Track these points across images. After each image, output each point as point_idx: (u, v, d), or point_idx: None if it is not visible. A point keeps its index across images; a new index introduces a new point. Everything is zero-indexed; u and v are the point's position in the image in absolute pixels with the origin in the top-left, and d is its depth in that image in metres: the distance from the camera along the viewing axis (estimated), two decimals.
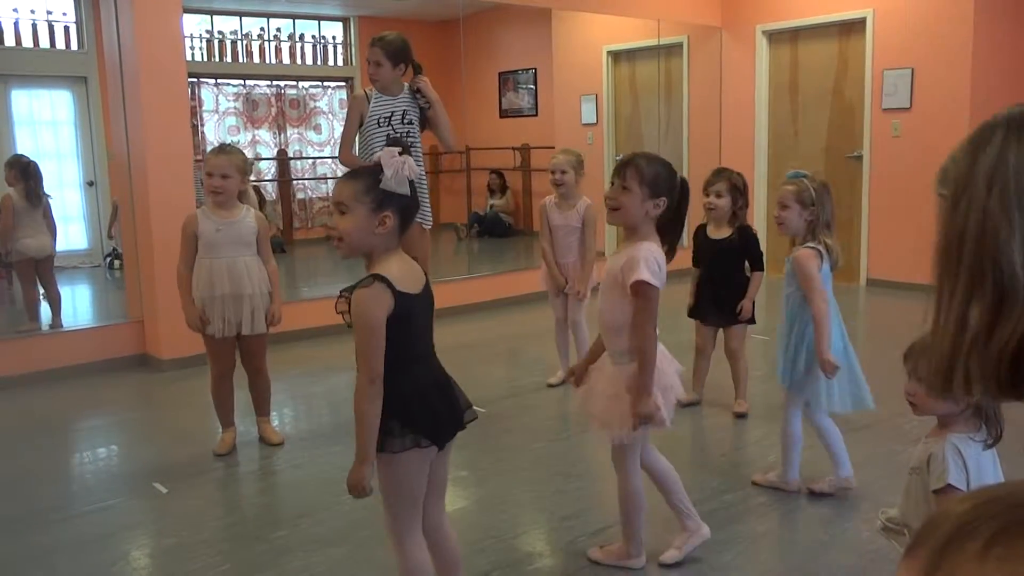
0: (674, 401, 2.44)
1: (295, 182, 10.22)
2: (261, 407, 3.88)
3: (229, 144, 3.79)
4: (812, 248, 3.01)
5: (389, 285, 1.91)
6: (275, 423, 4.04)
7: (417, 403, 1.98)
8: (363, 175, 1.98)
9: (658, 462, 2.58)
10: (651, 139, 8.40)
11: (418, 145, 4.12)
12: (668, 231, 2.40)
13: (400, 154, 1.97)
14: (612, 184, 2.35)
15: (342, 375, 5.12)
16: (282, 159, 10.05)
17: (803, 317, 3.02)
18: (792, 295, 3.06)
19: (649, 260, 2.29)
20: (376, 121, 4.10)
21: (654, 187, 2.31)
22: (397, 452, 1.96)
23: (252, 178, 3.77)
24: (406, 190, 1.97)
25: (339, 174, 12.15)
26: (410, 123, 4.11)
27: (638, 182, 2.31)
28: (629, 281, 2.28)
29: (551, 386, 4.59)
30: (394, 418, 1.94)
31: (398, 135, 4.05)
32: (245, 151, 3.71)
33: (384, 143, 4.08)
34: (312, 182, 10.40)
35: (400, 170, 1.95)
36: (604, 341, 2.45)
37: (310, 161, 10.40)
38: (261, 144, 9.92)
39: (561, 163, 4.33)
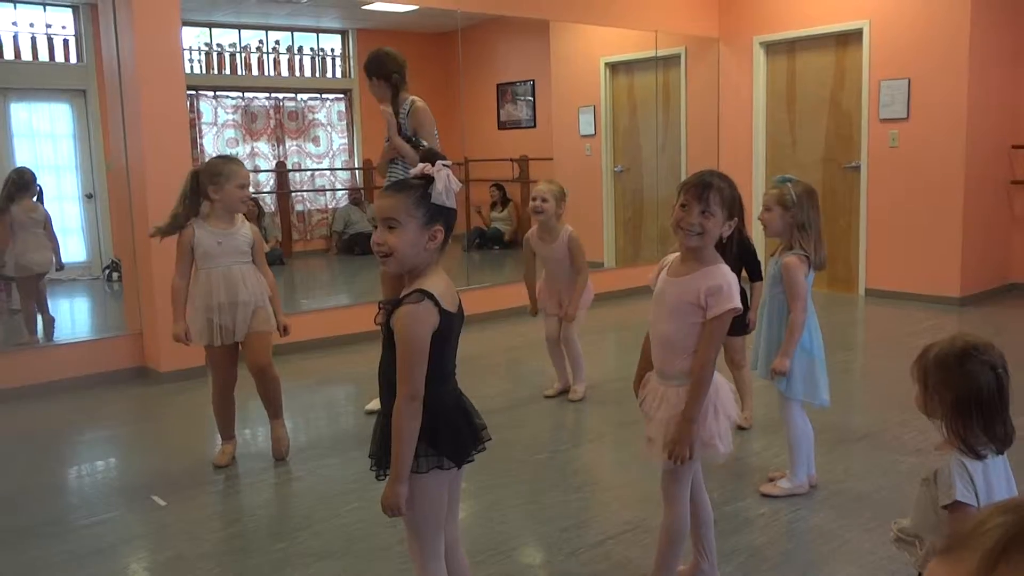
0: (729, 426, 2.37)
1: (294, 194, 10.23)
2: (273, 408, 3.81)
3: (232, 155, 3.84)
4: (801, 255, 3.11)
5: (436, 303, 1.89)
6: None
7: (442, 423, 1.97)
8: (412, 188, 1.94)
9: (701, 490, 2.54)
10: (649, 150, 8.42)
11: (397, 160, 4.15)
12: (728, 247, 2.37)
13: (445, 166, 1.95)
14: (682, 206, 2.29)
15: (340, 387, 5.11)
16: (281, 171, 10.06)
17: (786, 319, 3.13)
18: (777, 296, 3.18)
19: (735, 286, 2.28)
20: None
21: (731, 209, 2.30)
22: (422, 473, 1.94)
23: (251, 190, 3.78)
24: (453, 203, 1.95)
25: (338, 186, 12.06)
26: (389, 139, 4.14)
27: (720, 206, 2.27)
28: (720, 308, 2.24)
29: (548, 397, 4.58)
30: (419, 438, 1.93)
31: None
32: (244, 163, 3.74)
33: (388, 159, 4.14)
34: (311, 194, 10.41)
35: (448, 182, 1.93)
36: (658, 360, 2.39)
37: (308, 173, 10.41)
38: (260, 156, 9.94)
39: (543, 191, 4.39)
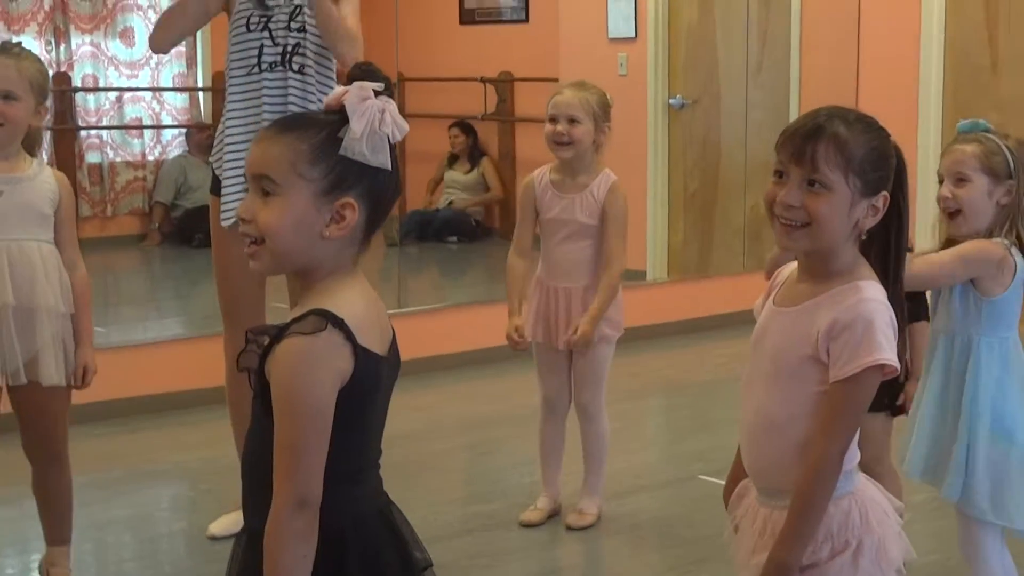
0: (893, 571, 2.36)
1: (84, 133, 10.18)
2: (57, 528, 3.81)
3: (14, 43, 3.80)
4: (1006, 245, 3.14)
5: (348, 335, 1.92)
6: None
7: (356, 553, 1.99)
8: (308, 127, 1.99)
9: None
10: (733, 71, 8.46)
11: (308, 70, 4.13)
12: (881, 256, 2.35)
13: (379, 95, 1.96)
14: (779, 175, 2.28)
15: (163, 488, 5.13)
16: (62, 91, 10.00)
17: (981, 364, 3.15)
18: (955, 329, 3.19)
19: (886, 322, 2.24)
20: (245, 22, 4.11)
21: (870, 176, 2.26)
22: None
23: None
24: (385, 160, 1.97)
25: (165, 119, 11.76)
26: (300, 29, 4.10)
27: (843, 170, 2.23)
28: (852, 362, 2.22)
29: (526, 526, 4.52)
30: None
31: (280, 48, 4.08)
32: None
33: (252, 65, 4.11)
34: (116, 134, 10.37)
35: (376, 123, 1.95)
36: (753, 458, 2.41)
37: (113, 96, 10.38)
38: None
39: (571, 104, 4.31)
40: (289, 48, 4.10)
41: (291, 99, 4.09)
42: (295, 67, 4.08)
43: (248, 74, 4.12)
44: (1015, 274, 3.13)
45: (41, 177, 3.63)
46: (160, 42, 4.33)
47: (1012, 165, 3.12)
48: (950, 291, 3.21)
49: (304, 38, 4.13)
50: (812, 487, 2.25)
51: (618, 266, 4.40)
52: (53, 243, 3.62)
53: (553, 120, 4.32)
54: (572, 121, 4.29)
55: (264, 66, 4.09)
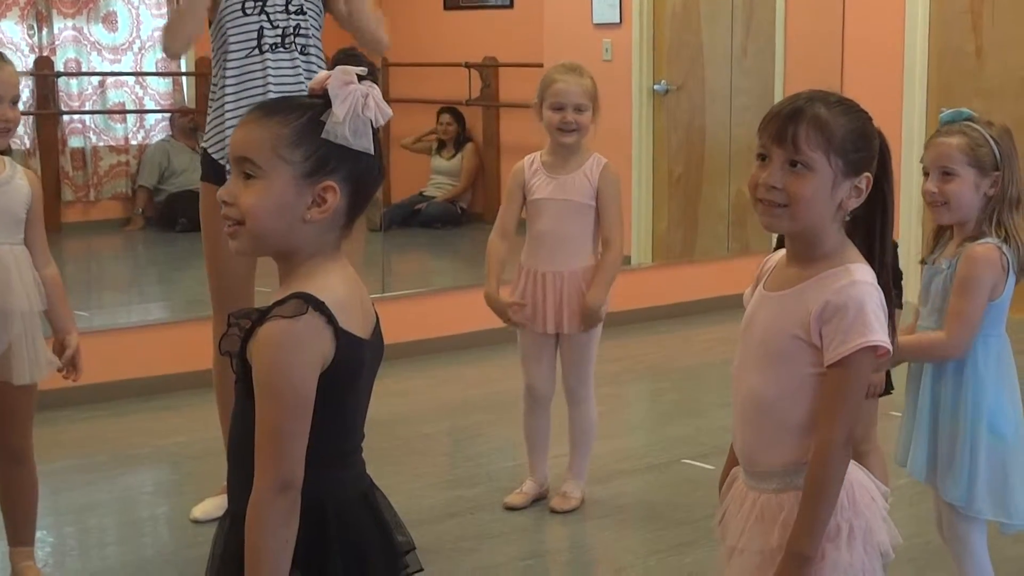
0: (879, 559, 2.36)
1: (67, 118, 10.15)
2: (21, 528, 3.80)
3: None
4: (995, 246, 3.11)
5: (329, 318, 1.93)
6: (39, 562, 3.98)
7: (338, 537, 2.00)
8: (291, 111, 2.00)
9: None
10: (718, 57, 8.47)
11: (311, 50, 4.15)
12: (866, 239, 2.35)
13: (362, 79, 1.97)
14: (762, 159, 2.29)
15: (144, 473, 5.12)
16: (43, 75, 9.96)
17: (979, 363, 3.14)
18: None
19: (877, 304, 2.24)
20: (240, 6, 4.09)
21: (852, 156, 2.26)
22: None
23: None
24: (367, 144, 1.98)
25: (148, 104, 11.69)
26: (299, 11, 4.09)
27: (824, 150, 2.24)
28: (845, 344, 2.23)
29: (510, 509, 4.54)
30: (295, 563, 1.95)
31: (280, 30, 4.07)
32: None
33: (252, 47, 4.09)
34: (99, 119, 10.35)
35: (359, 107, 1.96)
36: (742, 441, 2.42)
37: (95, 80, 10.35)
38: (6, 46, 9.82)
39: (578, 93, 4.37)
40: (290, 29, 4.10)
41: (299, 78, 4.09)
42: (299, 47, 4.09)
43: (248, 56, 4.09)
44: (1008, 273, 3.11)
45: (15, 180, 3.61)
46: (174, 48, 4.46)
47: (998, 155, 3.09)
48: (942, 292, 3.18)
49: (304, 19, 4.13)
50: (822, 475, 2.25)
51: (617, 246, 4.46)
52: (22, 244, 3.61)
53: (560, 108, 4.35)
54: (579, 109, 4.36)
55: (265, 48, 4.08)
